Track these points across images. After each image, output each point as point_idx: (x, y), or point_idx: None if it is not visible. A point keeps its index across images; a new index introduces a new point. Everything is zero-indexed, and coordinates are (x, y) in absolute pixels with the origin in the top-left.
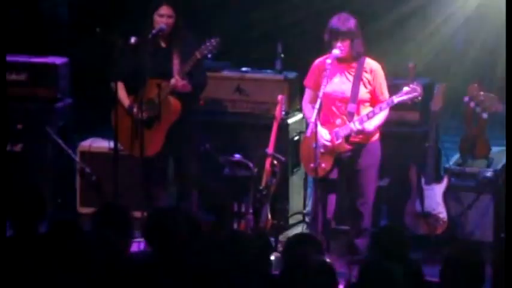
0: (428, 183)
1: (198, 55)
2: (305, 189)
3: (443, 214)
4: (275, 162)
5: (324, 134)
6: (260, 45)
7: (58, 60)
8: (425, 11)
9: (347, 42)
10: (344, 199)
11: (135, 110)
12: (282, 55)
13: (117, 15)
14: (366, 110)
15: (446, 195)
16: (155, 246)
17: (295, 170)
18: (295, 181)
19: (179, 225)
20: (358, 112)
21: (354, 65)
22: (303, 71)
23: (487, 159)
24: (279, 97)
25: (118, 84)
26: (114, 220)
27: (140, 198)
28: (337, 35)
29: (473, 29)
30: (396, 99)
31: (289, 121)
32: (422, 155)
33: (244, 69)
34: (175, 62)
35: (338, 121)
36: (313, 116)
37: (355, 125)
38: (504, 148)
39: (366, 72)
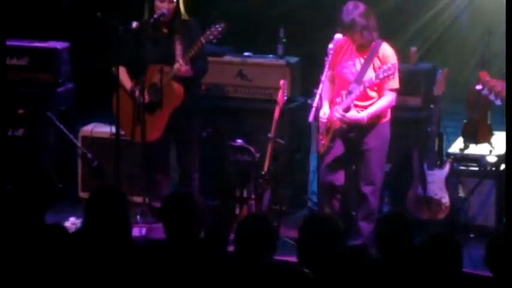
0: (430, 168)
1: (203, 40)
2: (307, 174)
3: (445, 199)
4: (277, 147)
5: (322, 114)
6: (262, 30)
7: (59, 44)
8: None
9: (355, 33)
10: (350, 183)
11: (137, 93)
12: (284, 40)
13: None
14: (372, 94)
15: (448, 180)
16: (172, 230)
17: (297, 155)
18: (298, 166)
19: (196, 209)
20: (364, 96)
21: (369, 48)
22: (305, 56)
23: (489, 144)
24: (281, 82)
25: (120, 68)
26: (110, 204)
27: (142, 183)
28: (342, 27)
29: (475, 13)
30: (375, 77)
31: (291, 106)
32: (424, 140)
33: (246, 54)
34: (178, 48)
35: (338, 99)
36: (315, 101)
37: (343, 105)
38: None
39: (377, 57)
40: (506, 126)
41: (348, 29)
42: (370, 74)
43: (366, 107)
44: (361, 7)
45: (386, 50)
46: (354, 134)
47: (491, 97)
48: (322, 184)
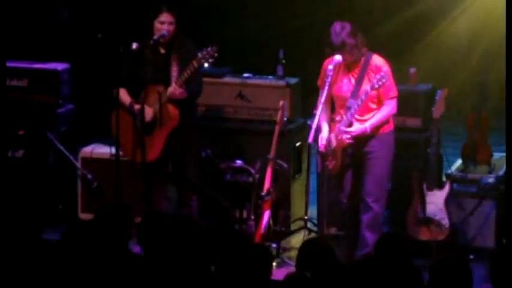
0: (430, 189)
1: (195, 63)
2: (307, 195)
3: (445, 220)
4: (276, 168)
5: (320, 139)
6: (261, 52)
7: (59, 66)
8: (427, 17)
9: (345, 53)
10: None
11: (136, 107)
12: (284, 61)
13: (119, 21)
14: (373, 106)
15: (448, 201)
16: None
17: (296, 176)
18: (297, 187)
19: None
20: (365, 109)
21: (360, 63)
22: (305, 77)
23: (488, 165)
24: (281, 103)
25: (120, 89)
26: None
27: (141, 204)
28: (332, 49)
29: (475, 34)
30: (370, 88)
31: (291, 127)
32: (424, 160)
33: (245, 75)
34: (174, 69)
35: (337, 117)
36: (314, 122)
37: (345, 120)
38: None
39: (371, 70)
40: (506, 133)
41: (338, 50)
42: (365, 87)
43: (368, 120)
44: (348, 27)
45: (377, 60)
46: (358, 146)
47: None
48: (343, 203)
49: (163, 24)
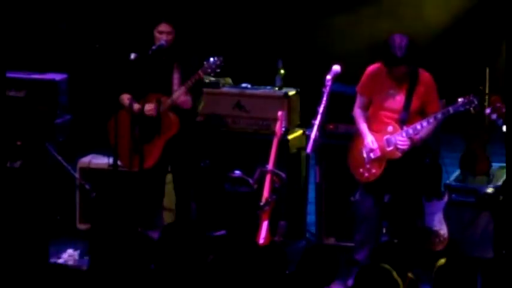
0: (428, 199)
1: (201, 73)
2: (305, 206)
3: (443, 231)
4: (275, 178)
5: (370, 142)
6: (260, 62)
7: (57, 76)
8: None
9: (404, 67)
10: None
11: (135, 106)
12: (282, 71)
13: (117, 31)
14: (416, 120)
15: (446, 211)
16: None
17: (295, 186)
18: (295, 197)
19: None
20: (410, 122)
21: (408, 76)
22: (303, 87)
23: (487, 175)
24: (279, 113)
25: (123, 95)
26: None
27: (139, 214)
28: (394, 62)
29: (472, 45)
30: (452, 109)
31: (289, 137)
32: (422, 171)
33: (244, 85)
34: (176, 77)
35: (390, 128)
36: (313, 132)
37: (408, 132)
38: (504, 165)
39: (419, 84)
40: (505, 139)
41: (401, 63)
42: (415, 102)
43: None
44: (407, 40)
45: (425, 76)
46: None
47: (499, 122)
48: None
49: (162, 34)
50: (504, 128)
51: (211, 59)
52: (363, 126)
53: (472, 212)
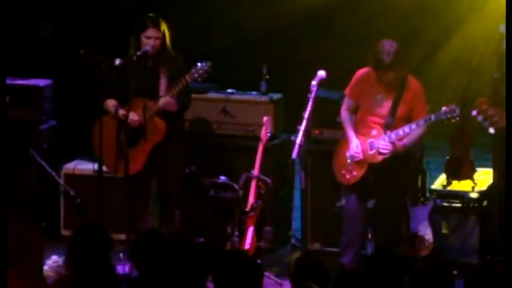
0: (413, 204)
1: (188, 78)
2: (291, 211)
3: (428, 236)
4: (260, 184)
5: (355, 146)
6: (245, 67)
7: (41, 82)
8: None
9: (392, 73)
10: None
11: (120, 111)
12: (267, 77)
13: (102, 37)
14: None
15: (431, 216)
16: (141, 270)
17: (280, 191)
18: (281, 203)
19: (163, 249)
20: (395, 128)
21: (396, 82)
22: (288, 93)
23: (472, 180)
24: (265, 119)
25: (108, 100)
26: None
27: (124, 220)
28: (382, 67)
29: (456, 49)
30: (434, 117)
31: (275, 142)
32: (407, 176)
33: (229, 90)
34: (162, 82)
35: (374, 132)
36: (298, 138)
37: (391, 137)
38: (489, 169)
39: (407, 90)
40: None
41: (388, 69)
42: (402, 108)
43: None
44: (395, 45)
45: (413, 82)
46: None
47: (485, 124)
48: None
49: (150, 39)
50: (491, 130)
51: (199, 64)
52: (350, 130)
53: (457, 217)
